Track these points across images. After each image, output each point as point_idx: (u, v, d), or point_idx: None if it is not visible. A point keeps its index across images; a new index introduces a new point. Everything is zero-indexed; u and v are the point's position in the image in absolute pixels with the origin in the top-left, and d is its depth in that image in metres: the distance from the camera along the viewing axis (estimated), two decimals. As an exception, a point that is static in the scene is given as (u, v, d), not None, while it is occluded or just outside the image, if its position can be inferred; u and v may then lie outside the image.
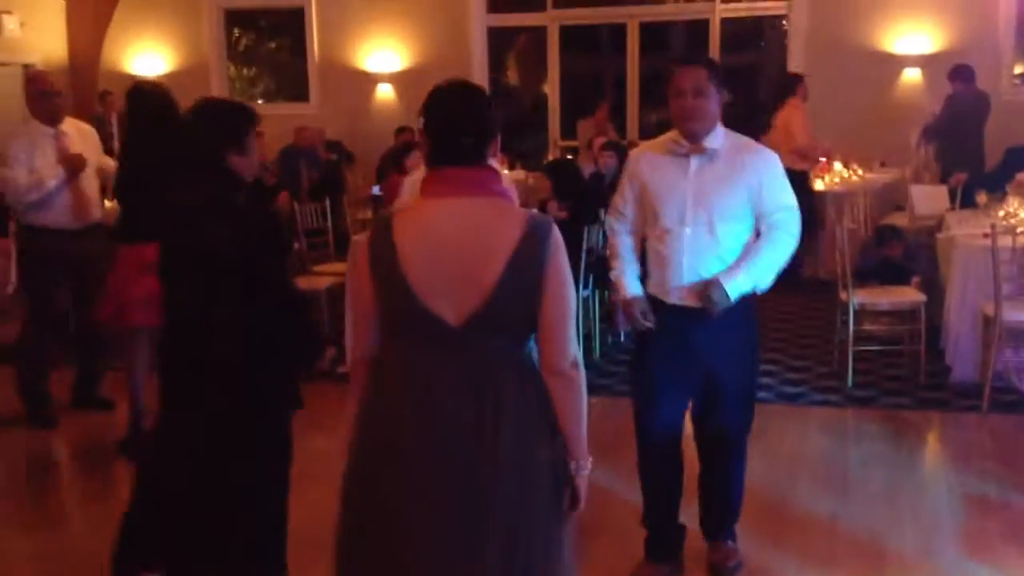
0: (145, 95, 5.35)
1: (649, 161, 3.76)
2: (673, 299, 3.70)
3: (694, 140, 3.63)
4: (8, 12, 12.33)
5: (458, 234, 2.35)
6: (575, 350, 2.42)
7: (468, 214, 2.38)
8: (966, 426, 5.76)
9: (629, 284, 3.77)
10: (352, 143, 12.48)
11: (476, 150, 2.43)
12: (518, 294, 2.34)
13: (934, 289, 6.78)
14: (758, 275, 3.65)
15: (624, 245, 3.85)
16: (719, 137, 3.66)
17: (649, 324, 3.73)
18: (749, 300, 3.72)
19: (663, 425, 3.84)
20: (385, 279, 2.38)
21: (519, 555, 2.36)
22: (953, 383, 6.23)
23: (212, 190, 3.33)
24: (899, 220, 8.99)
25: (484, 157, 2.46)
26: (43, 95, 5.71)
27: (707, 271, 3.64)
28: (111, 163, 5.93)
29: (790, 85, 9.60)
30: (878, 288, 6.62)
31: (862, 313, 6.46)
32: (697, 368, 3.75)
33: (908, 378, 6.37)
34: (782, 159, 3.85)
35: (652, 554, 3.97)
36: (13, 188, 5.66)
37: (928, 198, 8.87)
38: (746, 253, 3.67)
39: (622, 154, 8.66)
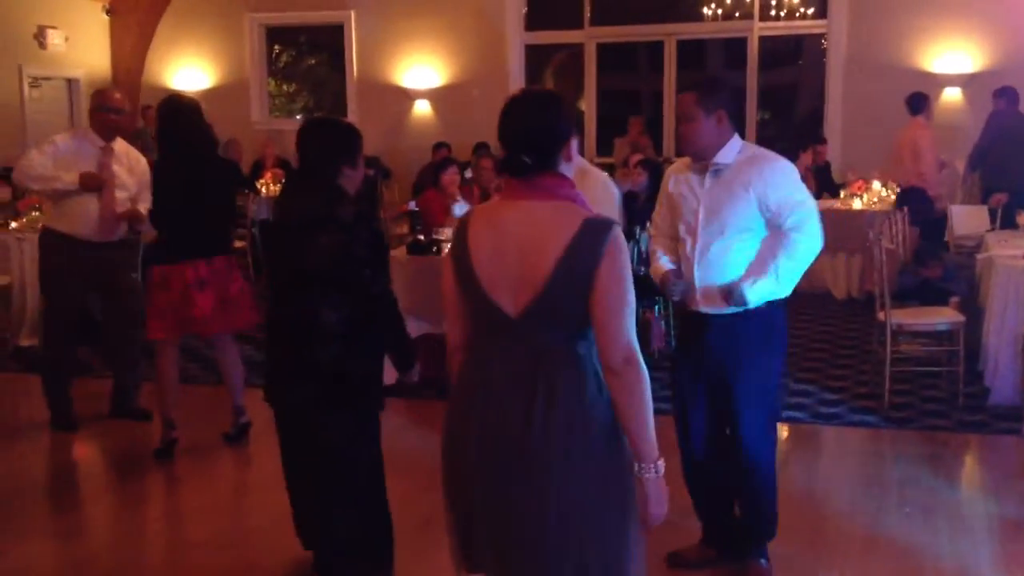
0: (181, 110, 5.40)
1: (676, 178, 3.97)
2: (692, 305, 3.88)
3: (697, 160, 3.83)
4: (53, 27, 12.55)
5: (518, 232, 2.50)
6: (629, 349, 2.43)
7: (529, 214, 2.51)
8: (1005, 449, 5.68)
9: (662, 264, 3.98)
10: (390, 159, 12.56)
11: (538, 164, 2.53)
12: (569, 289, 2.44)
13: (973, 310, 6.70)
14: (775, 278, 3.72)
15: (658, 246, 4.08)
16: (732, 152, 3.80)
17: (675, 297, 3.91)
18: (767, 311, 3.78)
19: (694, 433, 3.98)
20: (461, 273, 2.58)
21: (576, 553, 2.46)
22: (992, 405, 6.14)
23: (320, 204, 3.59)
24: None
25: (551, 166, 2.55)
26: (100, 108, 5.83)
27: (718, 279, 3.78)
28: (147, 199, 5.90)
29: (918, 104, 9.38)
30: (916, 309, 6.56)
31: (900, 334, 6.40)
32: (716, 374, 3.86)
33: (946, 400, 6.30)
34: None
35: (705, 539, 4.16)
36: (26, 167, 5.77)
37: (968, 218, 8.80)
38: (762, 258, 3.75)
39: (655, 171, 8.63)
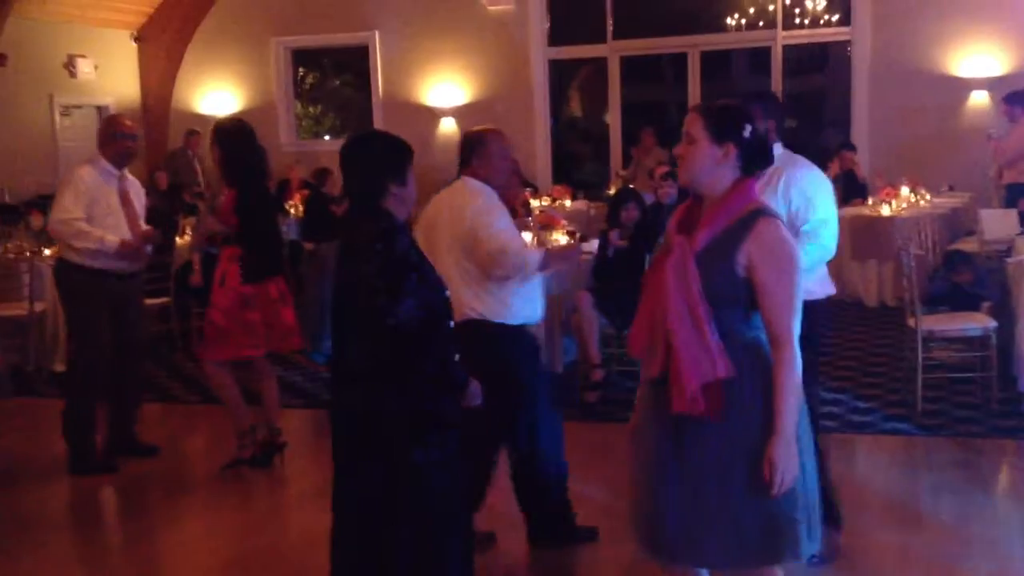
0: (233, 132, 5.54)
1: None
2: None
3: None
4: (83, 56, 12.73)
5: None
6: (791, 330, 2.81)
7: None
8: (1040, 455, 5.62)
9: None
10: (416, 176, 12.58)
11: None
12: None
13: (1006, 315, 6.64)
14: None
15: None
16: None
17: None
18: None
19: None
20: None
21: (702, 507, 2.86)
22: (1026, 410, 6.09)
23: (372, 229, 3.15)
24: (968, 245, 8.83)
25: None
26: (120, 137, 5.73)
27: None
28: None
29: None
30: (947, 314, 6.51)
31: (931, 340, 6.36)
32: None
33: (980, 406, 6.23)
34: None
35: None
36: (67, 224, 5.57)
37: (998, 222, 8.72)
38: None
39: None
